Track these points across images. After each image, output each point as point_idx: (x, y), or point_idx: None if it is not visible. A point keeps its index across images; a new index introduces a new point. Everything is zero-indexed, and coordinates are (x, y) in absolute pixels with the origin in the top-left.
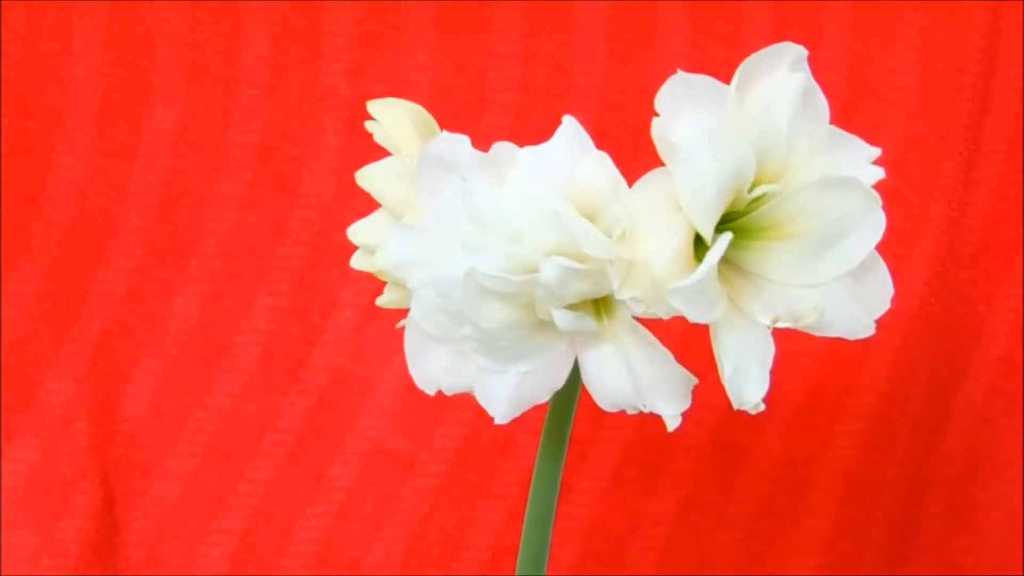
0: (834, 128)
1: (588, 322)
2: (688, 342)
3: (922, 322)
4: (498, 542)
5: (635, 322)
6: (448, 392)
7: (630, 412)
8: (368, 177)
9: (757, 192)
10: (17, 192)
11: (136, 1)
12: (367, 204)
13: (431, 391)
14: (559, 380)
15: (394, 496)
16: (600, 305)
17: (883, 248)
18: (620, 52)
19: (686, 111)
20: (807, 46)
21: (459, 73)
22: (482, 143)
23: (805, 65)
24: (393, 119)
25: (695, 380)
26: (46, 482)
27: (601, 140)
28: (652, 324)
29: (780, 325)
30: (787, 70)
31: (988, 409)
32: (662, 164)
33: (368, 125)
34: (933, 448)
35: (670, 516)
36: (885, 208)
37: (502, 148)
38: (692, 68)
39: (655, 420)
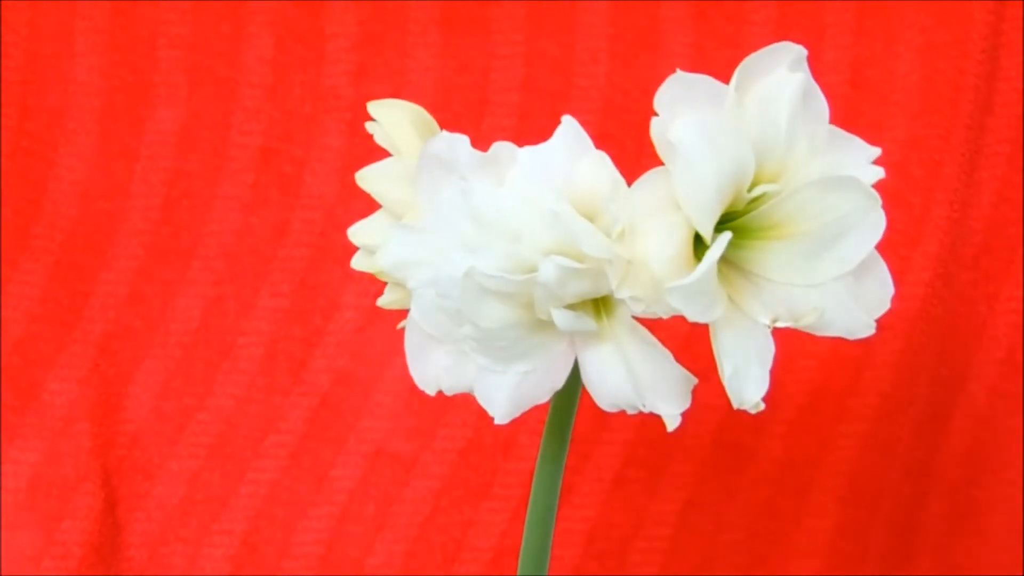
0: (834, 128)
1: (587, 322)
2: (690, 343)
3: (924, 323)
4: (500, 543)
5: (635, 322)
6: (448, 392)
7: (630, 412)
8: (368, 178)
9: (757, 192)
10: (19, 193)
11: (138, 2)
12: (369, 205)
13: (431, 391)
14: (559, 380)
15: (396, 497)
16: (600, 305)
17: (885, 249)
18: (622, 53)
19: (685, 111)
20: (809, 47)
21: (461, 74)
22: (484, 144)
23: (805, 65)
24: (393, 120)
25: (695, 380)
26: (48, 483)
27: (603, 141)
28: (653, 326)
29: (780, 325)
30: (786, 70)
31: (990, 410)
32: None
33: (369, 126)
34: (935, 449)
35: (672, 517)
36: (887, 209)
37: (501, 148)
38: (694, 69)
39: (656, 421)
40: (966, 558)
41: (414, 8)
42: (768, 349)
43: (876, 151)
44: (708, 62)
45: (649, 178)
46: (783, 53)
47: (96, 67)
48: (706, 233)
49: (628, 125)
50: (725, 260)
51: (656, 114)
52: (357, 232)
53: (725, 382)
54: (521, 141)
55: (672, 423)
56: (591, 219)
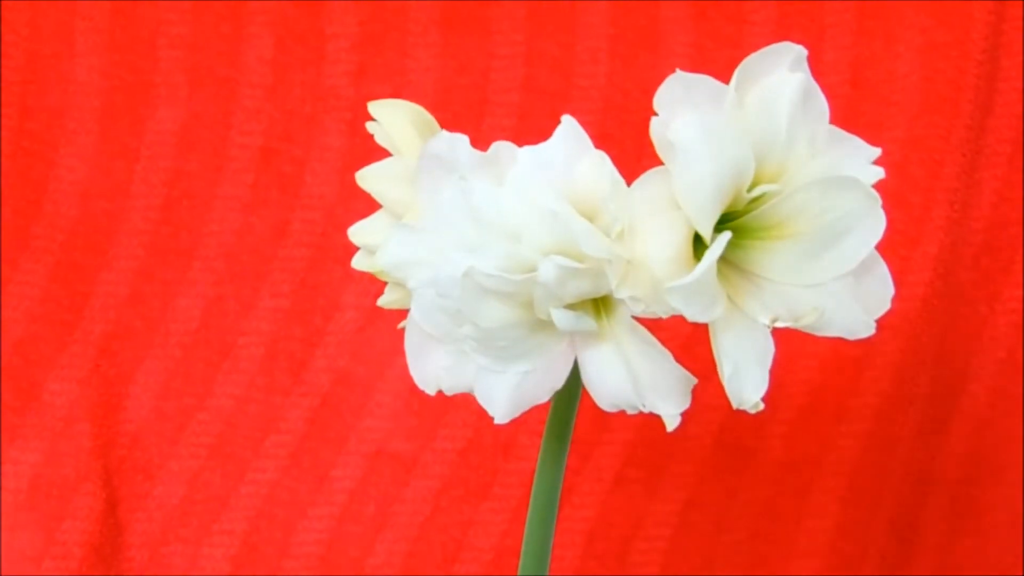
0: (834, 128)
1: (587, 322)
2: (690, 344)
3: (924, 323)
4: (500, 543)
5: (634, 322)
6: (448, 392)
7: (630, 412)
8: (368, 177)
9: (757, 192)
10: (19, 193)
11: (138, 2)
12: (369, 205)
13: (431, 391)
14: (559, 380)
15: (396, 497)
16: (599, 305)
17: (885, 249)
18: (622, 53)
19: (685, 110)
20: (809, 47)
21: (461, 74)
22: (484, 144)
23: (805, 65)
24: (394, 120)
25: (694, 380)
26: (48, 483)
27: (603, 141)
28: (654, 327)
29: (780, 325)
30: (787, 70)
31: (990, 410)
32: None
33: (369, 126)
34: (935, 449)
35: (673, 518)
36: (887, 209)
37: (501, 148)
38: (694, 69)
39: (657, 422)
40: (966, 558)
41: (414, 8)
42: (768, 349)
43: (876, 151)
44: (708, 62)
45: (649, 178)
46: (783, 53)
47: (96, 67)
48: (706, 233)
49: (628, 125)
50: (725, 260)
51: (656, 114)
52: (357, 232)
53: (725, 382)
54: (521, 141)
55: (672, 423)
56: (591, 219)
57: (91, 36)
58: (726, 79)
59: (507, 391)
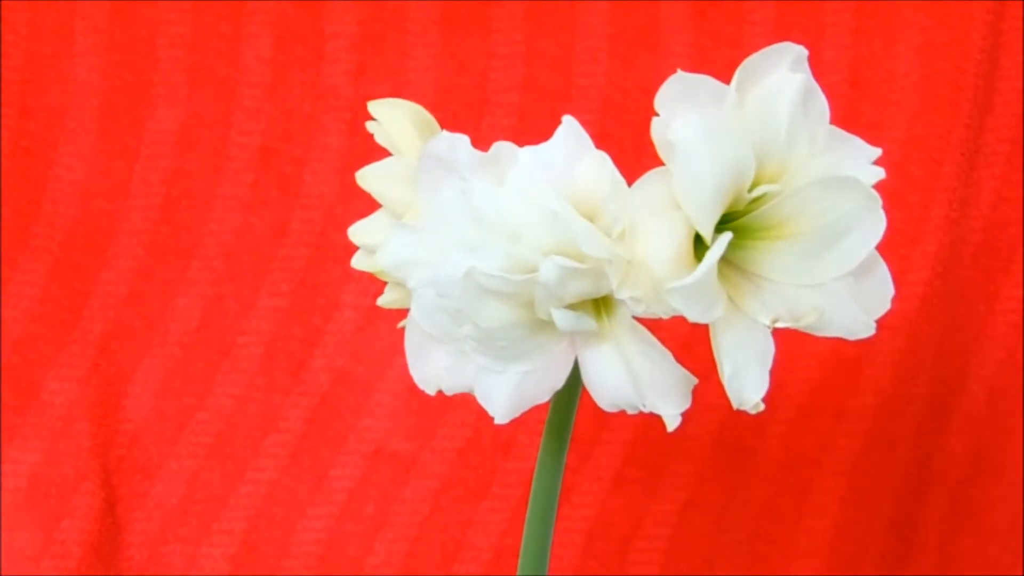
0: (834, 128)
1: (588, 322)
2: (690, 344)
3: (923, 323)
4: (499, 543)
5: (635, 322)
6: (448, 392)
7: (630, 412)
8: (368, 177)
9: (757, 192)
10: (19, 193)
11: (138, 2)
12: (369, 205)
13: (431, 391)
14: (559, 380)
15: (395, 497)
16: (600, 305)
17: (884, 249)
18: (622, 53)
19: (686, 111)
20: (809, 47)
21: (461, 74)
22: (484, 144)
23: (805, 65)
24: (394, 119)
25: (695, 380)
26: (48, 483)
27: (603, 141)
28: (654, 326)
29: (780, 325)
30: (787, 70)
31: (989, 410)
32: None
33: (369, 125)
34: (935, 449)
35: (672, 517)
36: (886, 209)
37: (502, 148)
38: (694, 69)
39: (657, 421)
40: (966, 557)
41: (414, 8)
42: (768, 350)
43: (876, 151)
44: (707, 62)
45: (649, 178)
46: (784, 53)
47: (96, 67)
48: (706, 233)
49: (628, 125)
50: (725, 260)
51: (657, 114)
52: (357, 232)
53: (725, 383)
54: (521, 141)
55: (672, 423)
56: (591, 219)
57: (91, 36)
58: (725, 79)
59: (507, 391)
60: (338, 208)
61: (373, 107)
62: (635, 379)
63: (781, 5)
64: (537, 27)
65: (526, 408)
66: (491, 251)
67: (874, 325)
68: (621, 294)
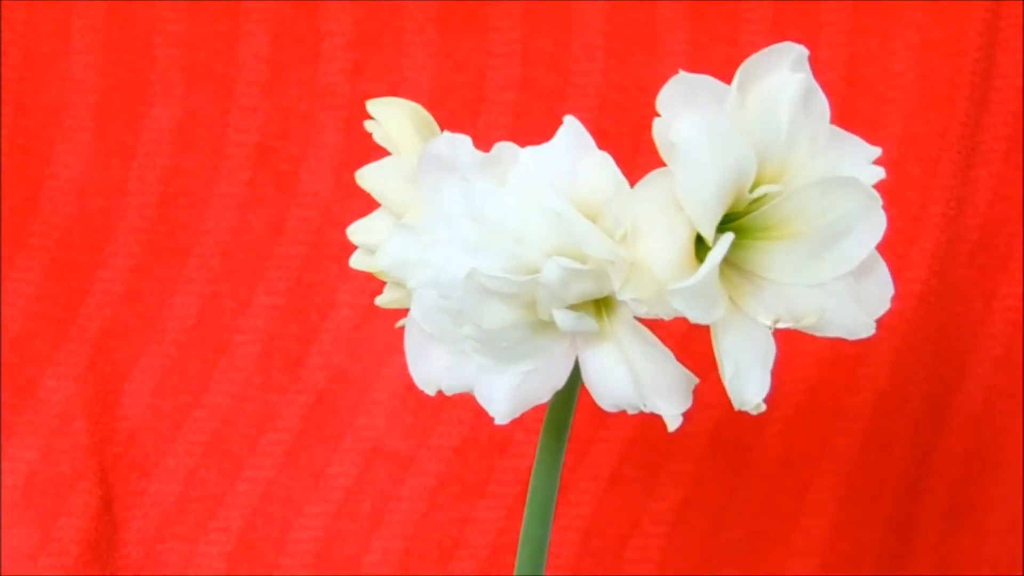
0: (835, 128)
1: (589, 322)
2: (688, 342)
3: (921, 321)
4: (496, 541)
5: (636, 322)
6: (448, 392)
7: (631, 412)
8: (368, 177)
9: (758, 192)
10: (16, 191)
11: (135, 1)
12: (366, 203)
13: (431, 391)
14: (560, 380)
15: (392, 495)
16: (601, 305)
17: (882, 247)
18: (619, 51)
19: (687, 111)
20: (806, 45)
21: (457, 72)
22: (480, 142)
23: (806, 65)
24: (393, 119)
25: (696, 380)
26: (44, 481)
27: (600, 140)
28: (653, 324)
29: (781, 326)
30: (788, 70)
31: (987, 408)
32: (661, 163)
33: (368, 125)
34: (933, 447)
35: (670, 516)
36: (883, 207)
37: (503, 148)
38: (691, 67)
39: (654, 420)
40: (964, 556)
41: (410, 7)
42: (769, 350)
43: (876, 151)
44: (705, 60)
45: (651, 179)
46: (784, 53)
47: (93, 65)
48: (708, 234)
49: (625, 123)
50: (726, 260)
51: (657, 114)
52: (356, 231)
53: (726, 383)
54: (518, 139)
55: (673, 423)
56: (593, 220)
57: (88, 34)
58: (723, 77)
59: (507, 391)
60: (335, 206)
61: (372, 106)
62: (636, 379)
63: (778, 4)
64: (534, 26)
65: (526, 408)
66: (493, 252)
67: (874, 325)
68: (623, 295)
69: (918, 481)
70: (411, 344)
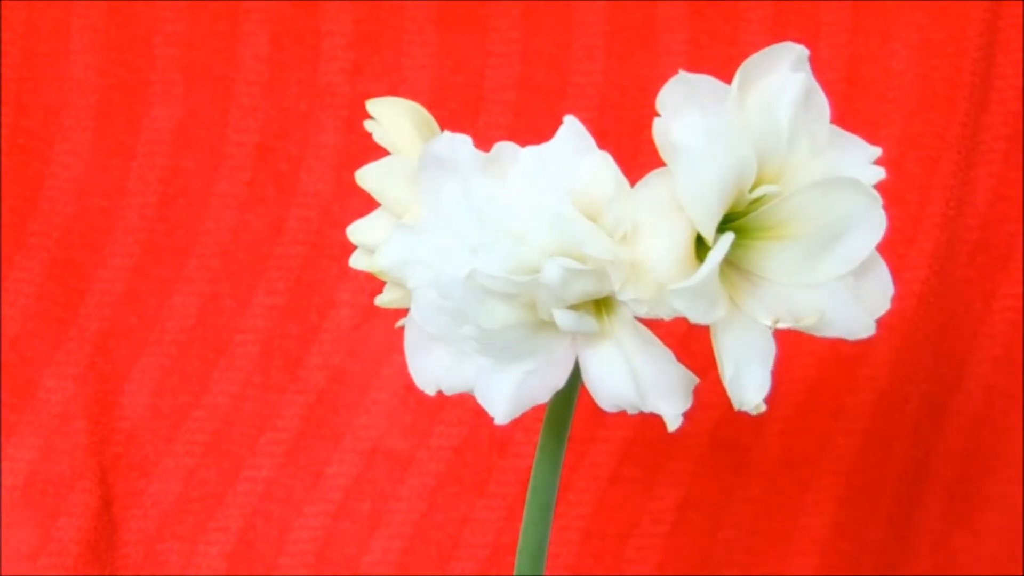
0: (835, 128)
1: (589, 322)
2: (688, 342)
3: (920, 321)
4: (496, 541)
5: (636, 322)
6: (448, 392)
7: (631, 412)
8: (368, 176)
9: (758, 192)
10: (16, 191)
11: (134, 1)
12: (365, 203)
13: (431, 391)
14: (560, 380)
15: (392, 495)
16: (601, 305)
17: (881, 247)
18: (619, 51)
19: (687, 111)
20: (806, 45)
21: (457, 72)
22: (480, 142)
23: (806, 65)
24: (393, 118)
25: (696, 380)
26: (44, 480)
27: (599, 139)
28: (653, 324)
29: (781, 326)
30: (788, 70)
31: (987, 408)
32: (661, 163)
33: (368, 124)
34: (932, 447)
35: (669, 515)
36: (883, 207)
37: (503, 148)
38: (691, 67)
39: (654, 419)
40: (964, 556)
41: (410, 7)
42: (769, 350)
43: (877, 151)
44: (704, 60)
45: (651, 179)
46: (785, 53)
47: (92, 65)
48: (708, 234)
49: (624, 123)
50: (726, 260)
51: (657, 114)
52: (356, 231)
53: (726, 383)
54: (517, 139)
55: (673, 423)
56: (594, 220)
57: (87, 34)
58: (723, 77)
59: (508, 391)
60: (334, 206)
61: (372, 106)
62: (636, 379)
63: (778, 4)
64: (533, 25)
65: (526, 408)
66: (493, 252)
67: (874, 325)
68: (624, 295)
69: (918, 481)
70: (411, 344)
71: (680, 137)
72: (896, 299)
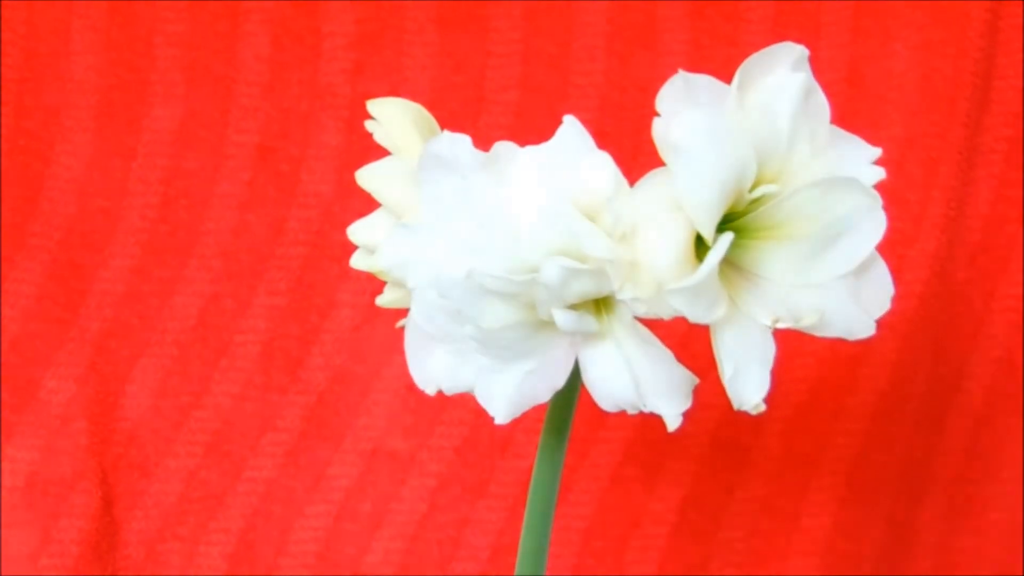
0: (835, 128)
1: (589, 322)
2: (688, 342)
3: (921, 322)
4: (497, 541)
5: (636, 322)
6: (448, 392)
7: (631, 412)
8: (368, 176)
9: (758, 192)
10: (17, 191)
11: (135, 1)
12: (366, 203)
13: (431, 391)
14: (560, 380)
15: (393, 495)
16: (601, 305)
17: (882, 248)
18: (619, 51)
19: (687, 111)
20: (806, 45)
21: (458, 72)
22: (481, 142)
23: (806, 65)
24: (394, 118)
25: (696, 380)
26: (45, 481)
27: (600, 140)
28: (653, 324)
29: (781, 326)
30: (788, 70)
31: (987, 409)
32: (661, 163)
33: (368, 124)
34: (933, 447)
35: (670, 516)
36: (883, 207)
37: (503, 148)
38: (691, 67)
39: (655, 419)
40: (964, 556)
41: (411, 7)
42: (769, 350)
43: (877, 151)
44: (705, 60)
45: (651, 178)
46: (785, 53)
47: (93, 65)
48: (708, 234)
49: (625, 123)
50: (726, 260)
51: (657, 114)
52: (356, 231)
53: (726, 383)
54: (518, 140)
55: (673, 423)
56: (593, 219)
57: (88, 34)
58: (723, 77)
59: (508, 391)
60: (335, 207)
61: (373, 106)
62: (636, 379)
63: (779, 4)
64: (535, 26)
65: (527, 408)
66: (493, 252)
67: (874, 325)
68: (623, 295)
69: (918, 481)
70: (411, 344)
71: (680, 137)
72: (896, 299)
